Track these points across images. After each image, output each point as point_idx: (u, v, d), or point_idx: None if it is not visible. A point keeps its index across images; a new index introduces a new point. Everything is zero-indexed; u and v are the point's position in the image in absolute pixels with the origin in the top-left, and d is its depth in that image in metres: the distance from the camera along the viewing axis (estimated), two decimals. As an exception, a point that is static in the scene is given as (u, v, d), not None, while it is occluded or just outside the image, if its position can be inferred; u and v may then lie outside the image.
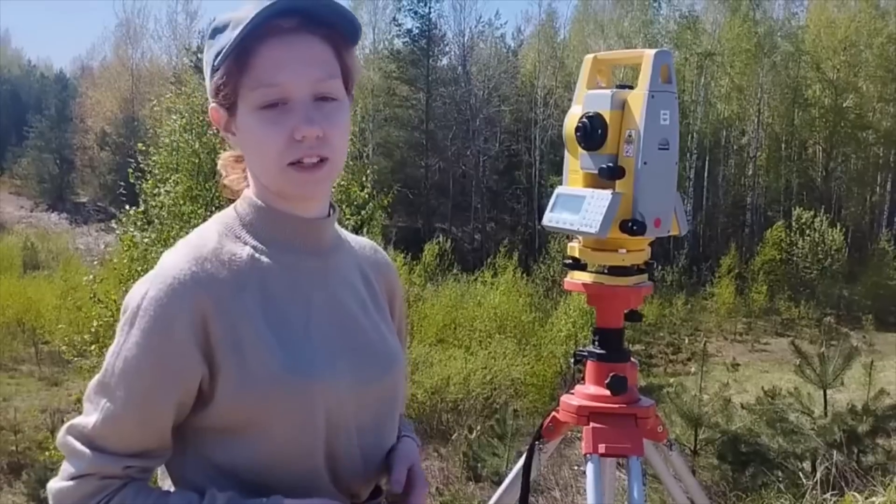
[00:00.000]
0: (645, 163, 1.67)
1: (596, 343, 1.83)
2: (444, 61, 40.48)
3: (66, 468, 1.13)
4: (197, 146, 10.32)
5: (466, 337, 20.34)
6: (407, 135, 36.71)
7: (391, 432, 1.28)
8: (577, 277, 1.82)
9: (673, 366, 24.58)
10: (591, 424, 1.74)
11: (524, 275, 25.66)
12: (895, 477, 5.28)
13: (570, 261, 1.83)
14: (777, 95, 37.96)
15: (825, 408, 9.80)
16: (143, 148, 11.05)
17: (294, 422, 1.13)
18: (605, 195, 1.68)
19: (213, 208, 8.78)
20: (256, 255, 1.17)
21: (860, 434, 9.28)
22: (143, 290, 1.11)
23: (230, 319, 1.11)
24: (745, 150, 38.10)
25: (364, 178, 9.39)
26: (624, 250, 1.76)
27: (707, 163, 36.01)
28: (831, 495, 5.09)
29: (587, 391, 1.81)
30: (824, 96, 37.71)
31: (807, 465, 8.53)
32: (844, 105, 37.56)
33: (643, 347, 26.31)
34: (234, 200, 1.25)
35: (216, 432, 1.14)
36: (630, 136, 1.68)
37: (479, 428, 11.91)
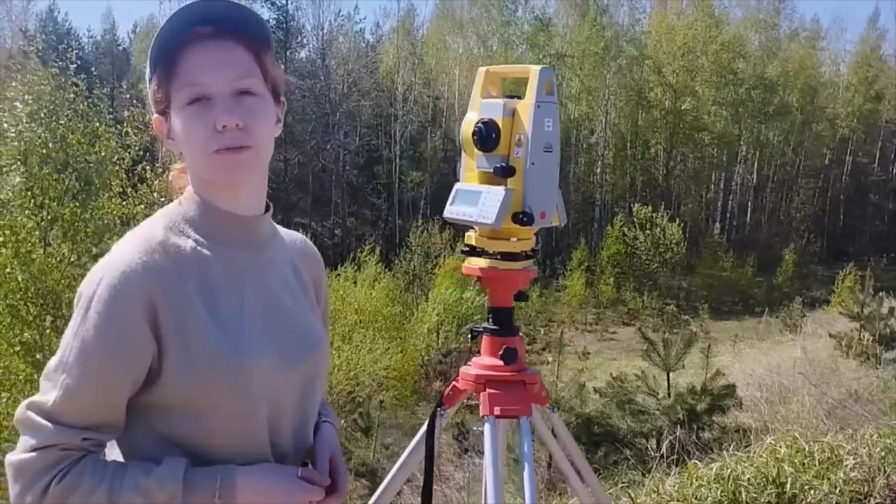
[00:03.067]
0: (532, 163, 1.94)
1: (490, 320, 2.10)
2: (303, 54, 40.15)
3: (25, 441, 1.22)
4: (45, 136, 9.84)
5: (330, 332, 20.28)
6: (261, 126, 35.94)
7: (315, 410, 1.43)
8: (474, 263, 2.08)
9: (529, 356, 25.48)
10: (488, 390, 2.00)
11: (386, 269, 25.89)
12: (730, 446, 5.89)
13: (468, 248, 2.08)
14: (623, 97, 39.93)
15: (668, 389, 10.62)
16: None
17: (234, 398, 1.25)
18: (499, 191, 1.94)
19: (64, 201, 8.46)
20: (198, 248, 1.28)
21: (699, 412, 10.13)
22: (98, 278, 1.21)
23: (175, 305, 1.22)
24: (594, 149, 39.81)
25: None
26: (515, 238, 2.03)
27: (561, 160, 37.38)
28: (675, 467, 5.61)
29: (482, 362, 2.07)
30: (665, 99, 40.01)
31: (653, 443, 9.23)
32: (683, 108, 40.01)
33: (501, 338, 27.15)
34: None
35: (164, 408, 1.25)
36: (520, 139, 1.95)
37: (342, 422, 12.03)
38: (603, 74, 38.29)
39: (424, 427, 2.07)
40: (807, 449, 4.63)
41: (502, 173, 1.95)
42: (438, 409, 2.08)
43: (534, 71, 1.97)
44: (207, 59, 1.25)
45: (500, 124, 1.97)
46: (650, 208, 32.63)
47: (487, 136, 1.97)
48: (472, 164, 2.05)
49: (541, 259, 33.28)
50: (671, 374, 10.85)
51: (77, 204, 8.46)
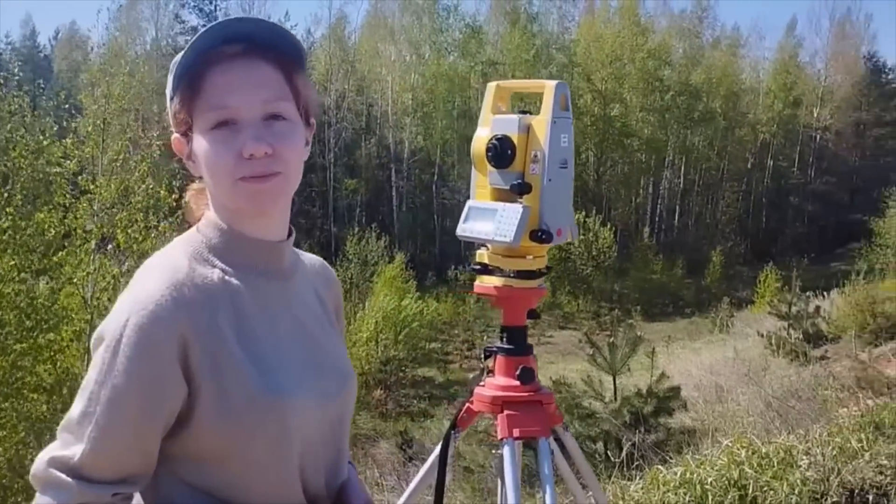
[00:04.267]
0: (549, 180, 1.91)
1: (504, 339, 2.06)
2: (230, 61, 39.33)
3: (45, 502, 1.12)
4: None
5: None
6: (193, 136, 35.30)
7: (346, 447, 1.35)
8: (486, 281, 2.03)
9: (468, 361, 25.58)
10: (505, 412, 1.96)
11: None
12: (690, 449, 6.00)
13: (479, 266, 2.04)
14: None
15: (615, 393, 10.77)
16: None
17: (271, 440, 1.17)
18: (517, 208, 1.91)
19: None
20: (226, 277, 1.19)
21: (645, 414, 10.31)
22: (124, 318, 1.11)
23: (208, 343, 1.13)
24: (527, 155, 40.25)
25: (171, 182, 9.07)
26: (531, 257, 2.00)
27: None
28: (628, 471, 5.68)
29: (498, 383, 2.03)
30: (594, 105, 40.78)
31: (600, 446, 9.34)
32: (612, 114, 40.88)
33: (439, 345, 27.20)
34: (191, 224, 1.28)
35: (193, 454, 1.17)
36: (536, 156, 1.92)
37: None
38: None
39: (437, 450, 2.03)
40: (763, 450, 4.74)
41: (519, 190, 1.91)
42: (452, 431, 2.03)
43: (549, 86, 1.94)
44: (235, 80, 1.16)
45: (515, 140, 1.93)
46: (583, 213, 33.18)
47: (502, 152, 1.93)
48: (484, 181, 2.01)
49: (477, 265, 33.52)
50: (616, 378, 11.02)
51: (20, 217, 8.11)
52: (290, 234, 1.29)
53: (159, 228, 9.31)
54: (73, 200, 8.53)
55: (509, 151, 1.93)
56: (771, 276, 29.70)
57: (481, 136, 2.01)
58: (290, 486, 1.22)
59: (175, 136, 1.22)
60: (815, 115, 49.90)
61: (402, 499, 2.10)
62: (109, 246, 9.05)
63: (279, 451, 1.19)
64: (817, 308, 18.43)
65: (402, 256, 27.86)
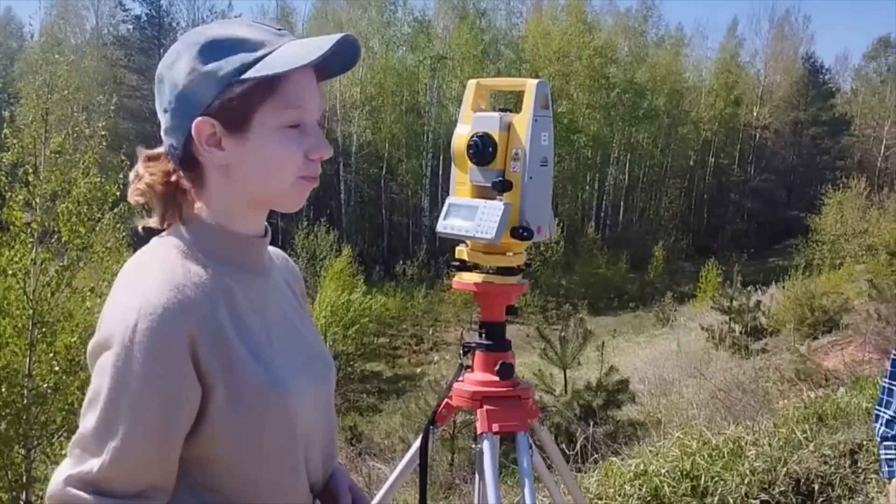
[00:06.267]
0: (530, 177, 1.94)
1: (483, 335, 2.08)
2: (177, 51, 38.61)
3: None
4: None
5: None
6: (138, 126, 34.56)
7: (336, 433, 1.40)
8: (466, 278, 2.05)
9: (417, 356, 25.61)
10: (485, 407, 1.98)
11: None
12: (643, 442, 6.13)
13: (459, 263, 2.05)
14: (502, 99, 40.76)
15: (566, 386, 10.92)
16: None
17: (280, 432, 1.20)
18: (498, 205, 1.93)
19: None
20: (218, 275, 1.19)
21: (595, 408, 10.47)
22: (132, 323, 1.09)
23: (214, 341, 1.14)
24: (475, 151, 40.39)
25: (118, 175, 8.85)
26: (510, 253, 2.02)
27: (441, 161, 37.85)
28: (580, 463, 5.78)
29: (477, 378, 2.05)
30: (542, 102, 41.06)
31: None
32: (559, 111, 41.25)
33: (388, 340, 27.16)
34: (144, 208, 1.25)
35: (206, 457, 1.17)
36: (517, 154, 1.94)
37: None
38: (482, 77, 38.88)
39: (416, 444, 2.04)
40: (713, 442, 4.87)
41: (500, 187, 1.93)
42: (431, 426, 2.04)
43: (530, 85, 1.96)
44: (309, 85, 1.22)
45: (496, 138, 1.95)
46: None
47: (484, 149, 1.95)
48: (464, 178, 2.02)
49: (425, 259, 33.59)
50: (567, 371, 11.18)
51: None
52: (267, 231, 1.30)
53: (103, 222, 9.06)
54: (10, 192, 8.24)
55: (490, 149, 1.95)
56: (712, 271, 30.37)
57: (462, 134, 2.02)
58: (299, 476, 1.25)
59: (208, 119, 1.17)
60: (755, 113, 51.18)
61: (380, 495, 2.10)
62: (53, 239, 8.78)
63: (287, 444, 1.22)
64: (757, 302, 18.93)
65: (350, 251, 27.73)
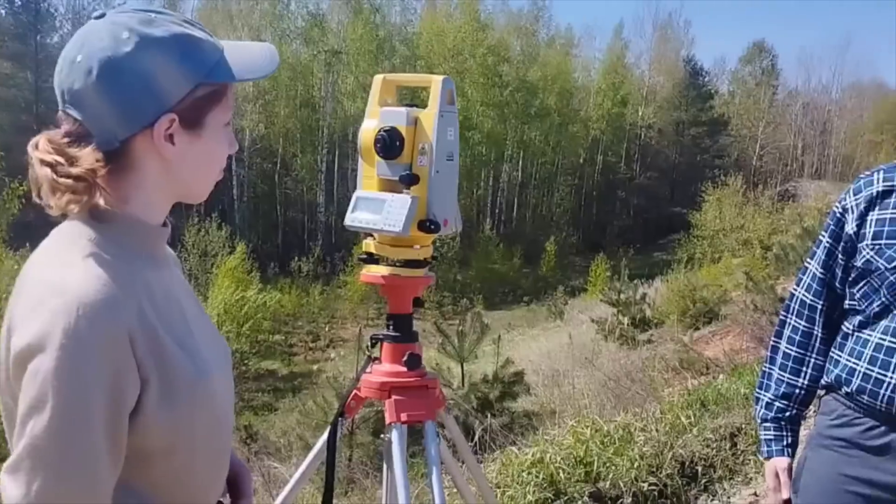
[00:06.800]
0: (437, 171, 1.98)
1: (390, 327, 2.11)
2: (56, 39, 36.76)
3: None
4: None
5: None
6: (13, 117, 32.72)
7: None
8: (373, 271, 2.08)
9: (313, 353, 25.35)
10: (393, 397, 2.02)
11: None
12: (539, 431, 6.28)
13: (366, 256, 2.08)
14: (397, 96, 40.77)
15: (462, 379, 11.05)
16: None
17: (210, 421, 1.21)
18: (406, 199, 1.96)
19: None
20: (135, 268, 1.17)
21: (492, 400, 10.65)
22: (69, 321, 1.04)
23: (145, 334, 1.12)
24: (371, 146, 40.29)
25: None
26: (418, 246, 2.06)
27: (337, 157, 37.51)
28: (480, 454, 5.89)
29: (384, 369, 2.08)
30: (436, 98, 41.29)
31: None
32: (454, 107, 41.58)
33: (283, 337, 26.77)
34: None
35: (139, 454, 1.14)
36: (423, 148, 1.98)
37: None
38: (378, 72, 38.56)
39: (323, 438, 2.05)
40: (605, 429, 5.06)
41: (407, 181, 1.97)
42: (340, 418, 2.06)
43: (436, 81, 2.01)
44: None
45: (403, 132, 1.99)
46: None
47: (391, 144, 1.98)
48: (371, 172, 2.04)
49: (321, 255, 33.25)
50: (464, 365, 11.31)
51: None
52: (166, 222, 1.29)
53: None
54: None
55: (398, 143, 1.98)
56: (601, 266, 31.35)
57: (369, 128, 2.05)
58: (225, 458, 1.30)
59: (173, 116, 1.17)
60: (640, 113, 53.12)
61: (287, 488, 2.10)
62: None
63: (216, 429, 1.24)
64: (643, 295, 19.63)
65: (244, 247, 27.15)
